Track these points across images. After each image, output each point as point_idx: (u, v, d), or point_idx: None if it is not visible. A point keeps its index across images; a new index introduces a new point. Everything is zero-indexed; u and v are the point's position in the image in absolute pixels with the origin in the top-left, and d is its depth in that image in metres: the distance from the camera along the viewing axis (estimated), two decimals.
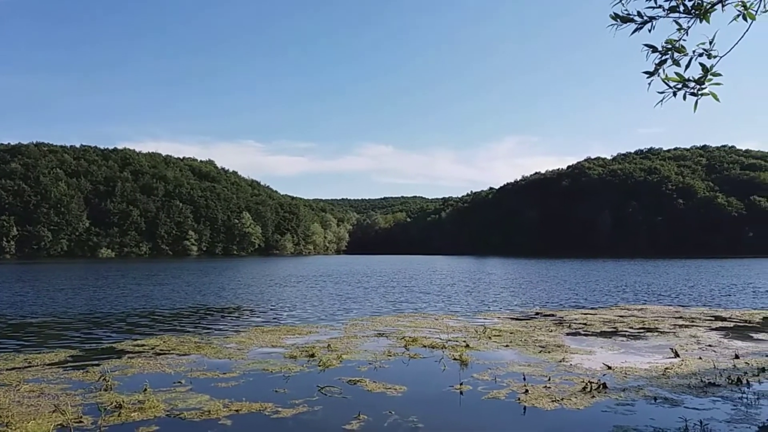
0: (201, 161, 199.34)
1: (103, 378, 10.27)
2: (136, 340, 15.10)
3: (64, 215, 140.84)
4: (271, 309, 23.34)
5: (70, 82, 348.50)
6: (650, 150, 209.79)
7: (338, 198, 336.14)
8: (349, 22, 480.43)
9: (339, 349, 13.41)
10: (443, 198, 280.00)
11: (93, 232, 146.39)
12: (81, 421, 7.94)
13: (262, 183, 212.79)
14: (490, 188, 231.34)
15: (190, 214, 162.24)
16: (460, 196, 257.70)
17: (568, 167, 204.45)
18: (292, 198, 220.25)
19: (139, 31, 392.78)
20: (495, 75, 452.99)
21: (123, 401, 8.73)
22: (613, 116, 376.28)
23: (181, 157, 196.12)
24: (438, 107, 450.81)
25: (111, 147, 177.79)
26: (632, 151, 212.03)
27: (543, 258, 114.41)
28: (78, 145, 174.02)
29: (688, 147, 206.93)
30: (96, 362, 12.12)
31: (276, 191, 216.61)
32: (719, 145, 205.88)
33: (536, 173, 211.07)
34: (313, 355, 12.59)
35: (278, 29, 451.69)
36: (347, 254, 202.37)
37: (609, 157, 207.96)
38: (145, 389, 9.30)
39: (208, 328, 17.58)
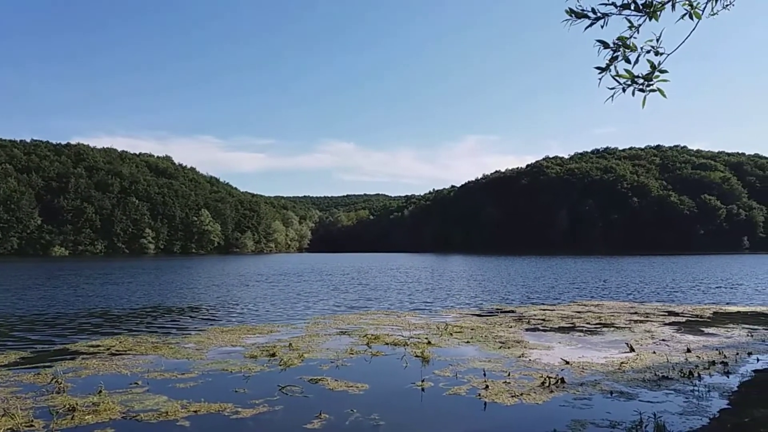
0: (158, 157, 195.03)
1: (55, 380, 9.93)
2: (90, 341, 14.66)
3: (14, 212, 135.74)
4: (231, 308, 23.01)
5: (19, 74, 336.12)
6: (606, 149, 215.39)
7: (300, 195, 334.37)
8: (311, 19, 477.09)
9: (300, 348, 13.30)
10: (406, 196, 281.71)
11: (45, 230, 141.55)
12: (32, 425, 7.66)
13: (221, 180, 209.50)
14: (452, 186, 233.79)
15: (146, 212, 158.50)
16: (422, 193, 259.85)
17: (527, 166, 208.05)
18: (253, 195, 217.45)
19: (91, 22, 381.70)
20: (456, 74, 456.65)
21: (76, 404, 8.47)
22: (570, 116, 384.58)
23: (137, 152, 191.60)
24: (400, 105, 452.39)
25: (64, 142, 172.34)
26: (589, 150, 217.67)
27: (503, 255, 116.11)
28: (29, 140, 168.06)
29: (643, 147, 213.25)
30: (48, 364, 11.72)
31: (236, 188, 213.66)
32: (672, 145, 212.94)
33: (497, 172, 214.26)
34: (274, 355, 12.46)
35: (237, 21, 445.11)
36: (309, 252, 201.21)
37: (566, 156, 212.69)
38: (100, 391, 9.05)
39: (166, 328, 17.21)
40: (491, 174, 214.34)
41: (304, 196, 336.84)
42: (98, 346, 13.86)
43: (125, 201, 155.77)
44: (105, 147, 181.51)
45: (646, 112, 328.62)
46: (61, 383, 9.71)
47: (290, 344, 13.74)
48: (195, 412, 8.29)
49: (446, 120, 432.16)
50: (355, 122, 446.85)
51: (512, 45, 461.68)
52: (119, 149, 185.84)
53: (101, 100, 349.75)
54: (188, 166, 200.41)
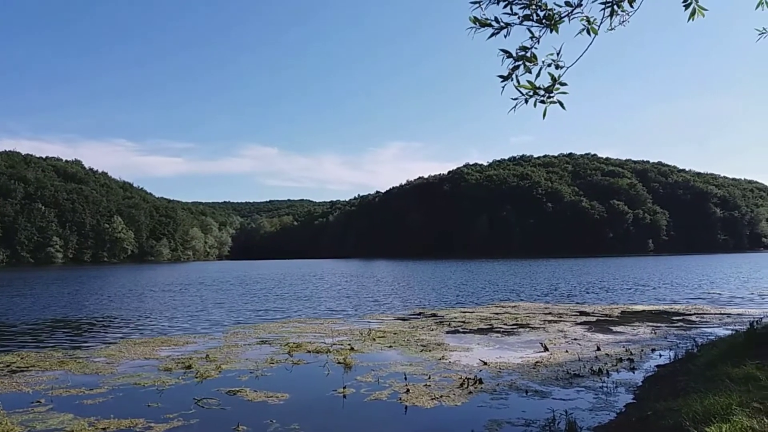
0: (66, 161, 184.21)
1: None
2: None
3: None
4: (145, 319, 22.02)
5: None
6: (522, 157, 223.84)
7: (220, 201, 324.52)
8: (230, 18, 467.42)
9: (218, 359, 12.90)
10: (331, 201, 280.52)
11: None
12: None
13: (135, 185, 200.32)
14: (377, 192, 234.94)
15: (54, 219, 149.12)
16: (347, 199, 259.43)
17: (449, 172, 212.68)
18: (169, 201, 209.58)
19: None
20: (378, 80, 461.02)
21: None
22: (488, 125, 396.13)
23: (43, 156, 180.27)
24: (324, 110, 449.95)
25: None
26: (506, 158, 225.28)
27: (427, 259, 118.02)
28: None
29: (556, 154, 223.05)
30: None
31: (151, 194, 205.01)
32: (583, 153, 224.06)
33: (420, 178, 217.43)
34: (189, 367, 12.01)
35: (150, 20, 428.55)
36: (230, 260, 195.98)
37: (485, 164, 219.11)
38: None
39: (74, 342, 16.24)
40: (415, 180, 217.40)
41: (225, 202, 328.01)
42: None
43: (30, 207, 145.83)
44: (7, 150, 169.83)
45: (559, 122, 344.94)
46: None
47: (207, 355, 13.30)
48: (103, 429, 7.89)
49: (370, 126, 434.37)
50: (278, 127, 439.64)
51: (432, 56, 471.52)
52: (23, 152, 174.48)
53: (3, 99, 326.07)
54: (99, 171, 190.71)
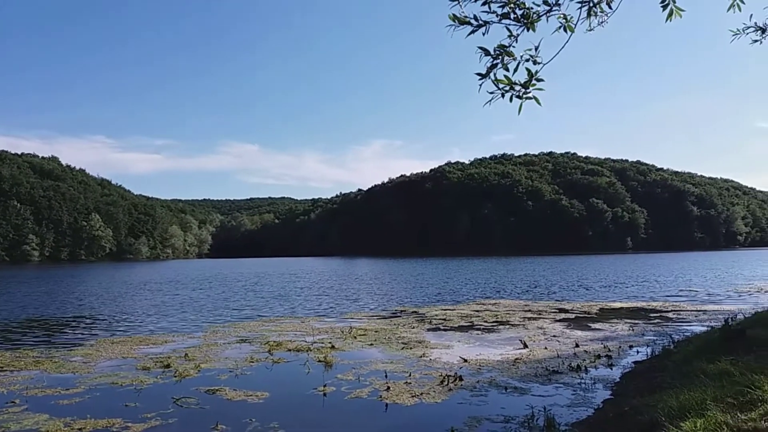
0: (43, 158, 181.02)
1: None
2: None
3: None
4: (123, 318, 21.75)
5: None
6: (503, 155, 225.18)
7: (200, 198, 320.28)
8: (210, 15, 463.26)
9: (197, 358, 12.79)
10: (312, 199, 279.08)
11: None
12: None
13: (113, 182, 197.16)
14: (359, 189, 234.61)
15: (30, 216, 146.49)
16: (329, 197, 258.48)
17: (431, 170, 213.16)
18: (148, 198, 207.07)
19: None
20: (360, 79, 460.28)
21: None
22: (470, 123, 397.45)
23: (19, 152, 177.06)
24: (306, 108, 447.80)
25: None
26: (487, 156, 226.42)
27: (409, 257, 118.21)
28: None
29: (536, 153, 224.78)
30: None
31: (129, 191, 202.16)
32: (563, 151, 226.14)
33: (402, 176, 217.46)
34: (168, 366, 11.89)
35: (129, 16, 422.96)
36: (210, 258, 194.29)
37: (467, 162, 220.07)
38: None
39: (49, 341, 15.98)
40: (397, 178, 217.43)
41: (204, 199, 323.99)
42: None
43: (5, 205, 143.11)
44: None
45: (540, 121, 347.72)
46: None
47: (186, 354, 13.18)
48: (80, 429, 7.79)
49: (352, 124, 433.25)
50: (258, 124, 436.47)
51: (414, 55, 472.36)
52: None
53: None
54: (77, 168, 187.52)
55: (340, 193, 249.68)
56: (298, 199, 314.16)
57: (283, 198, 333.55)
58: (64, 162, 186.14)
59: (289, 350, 13.70)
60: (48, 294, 34.48)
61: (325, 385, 10.07)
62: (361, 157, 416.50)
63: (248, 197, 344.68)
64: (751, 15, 5.86)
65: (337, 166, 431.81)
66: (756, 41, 6.16)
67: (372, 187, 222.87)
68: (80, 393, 9.85)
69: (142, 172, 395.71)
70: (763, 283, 34.74)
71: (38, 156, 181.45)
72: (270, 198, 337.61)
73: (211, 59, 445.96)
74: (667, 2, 4.58)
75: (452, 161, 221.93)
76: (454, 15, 4.09)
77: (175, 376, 11.00)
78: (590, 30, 4.35)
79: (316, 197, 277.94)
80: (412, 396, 9.29)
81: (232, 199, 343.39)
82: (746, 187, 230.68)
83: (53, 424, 7.96)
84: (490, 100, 4.18)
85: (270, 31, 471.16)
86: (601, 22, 4.38)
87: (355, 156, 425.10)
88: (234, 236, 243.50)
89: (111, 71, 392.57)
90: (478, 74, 4.15)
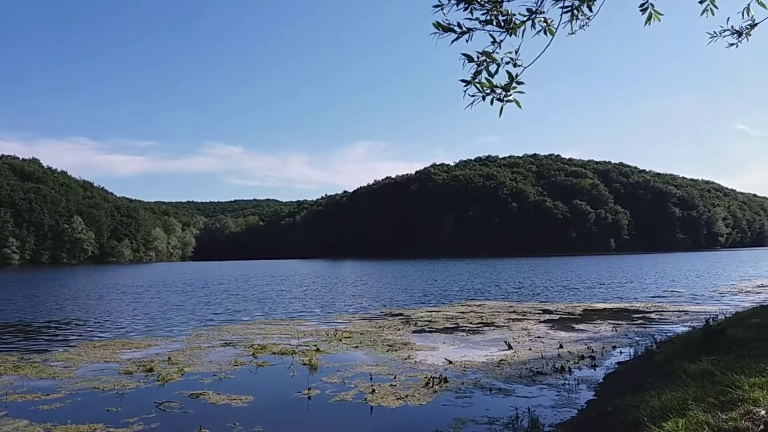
0: (23, 160, 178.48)
1: None
2: None
3: None
4: (104, 322, 21.50)
5: None
6: (488, 157, 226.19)
7: (183, 201, 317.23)
8: (193, 17, 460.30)
9: (180, 362, 12.67)
10: (298, 201, 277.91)
11: None
12: None
13: (95, 184, 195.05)
14: (345, 192, 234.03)
15: (10, 219, 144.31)
16: (315, 199, 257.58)
17: (416, 172, 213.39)
18: (131, 200, 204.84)
19: None
20: (345, 81, 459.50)
21: None
22: (455, 125, 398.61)
23: None
24: (290, 110, 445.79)
25: None
26: (472, 158, 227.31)
27: (394, 259, 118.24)
28: None
29: (521, 155, 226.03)
30: None
31: (112, 193, 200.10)
32: (547, 153, 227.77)
33: (388, 178, 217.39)
34: (151, 370, 11.76)
35: (112, 19, 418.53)
36: (194, 261, 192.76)
37: (452, 164, 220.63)
38: None
39: (30, 346, 15.75)
40: (383, 180, 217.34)
41: (188, 202, 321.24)
42: None
43: None
44: None
45: (524, 123, 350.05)
46: None
47: (169, 358, 13.05)
48: None
49: (337, 126, 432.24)
50: (242, 125, 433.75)
51: (398, 58, 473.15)
52: None
53: None
54: (58, 170, 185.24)
55: (326, 195, 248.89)
56: (283, 201, 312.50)
57: (268, 200, 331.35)
58: (45, 164, 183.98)
59: (274, 353, 13.63)
60: (28, 298, 33.98)
61: (309, 388, 10.02)
62: (346, 159, 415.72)
63: (232, 199, 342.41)
64: (728, 18, 5.91)
65: (322, 168, 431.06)
66: (732, 45, 6.21)
67: (357, 189, 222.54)
68: (61, 398, 9.71)
69: (125, 174, 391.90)
70: (744, 283, 35.25)
71: (19, 158, 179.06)
72: (255, 200, 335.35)
73: (194, 61, 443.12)
74: (646, 6, 4.65)
75: (437, 163, 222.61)
76: (438, 23, 4.12)
77: (158, 380, 10.89)
78: (572, 33, 4.39)
79: (302, 199, 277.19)
80: (397, 398, 9.28)
81: (216, 201, 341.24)
82: (727, 188, 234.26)
83: (33, 429, 7.87)
84: (472, 103, 4.20)
85: (255, 34, 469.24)
86: (583, 26, 4.42)
87: (340, 158, 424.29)
88: (218, 239, 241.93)
89: (93, 73, 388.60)
90: (463, 81, 4.17)
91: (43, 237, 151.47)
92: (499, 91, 4.16)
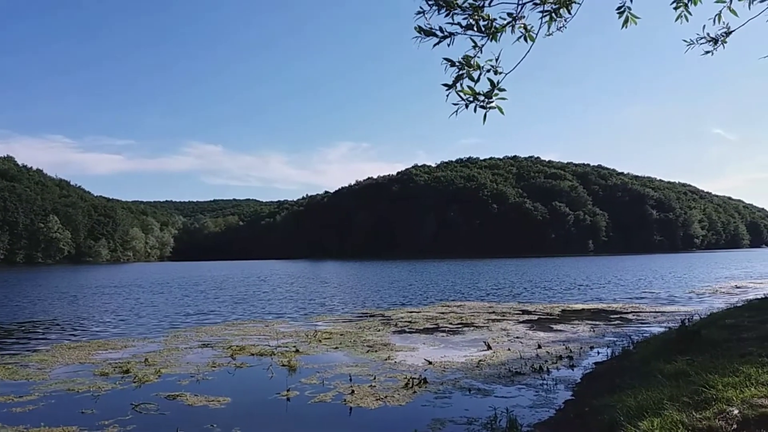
0: None
1: None
2: None
3: None
4: (80, 323, 21.15)
5: None
6: (469, 159, 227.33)
7: (162, 200, 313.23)
8: (171, 11, 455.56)
9: (157, 363, 12.51)
10: (278, 201, 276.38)
11: None
12: None
13: (72, 183, 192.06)
14: (326, 192, 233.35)
15: None
16: (295, 199, 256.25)
17: (398, 173, 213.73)
18: (108, 200, 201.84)
19: None
20: (326, 80, 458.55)
21: None
22: (436, 127, 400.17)
23: None
24: (269, 108, 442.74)
25: None
26: (453, 159, 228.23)
27: (375, 260, 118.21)
28: None
29: (501, 157, 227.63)
30: None
31: (89, 192, 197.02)
32: (527, 155, 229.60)
33: (369, 178, 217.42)
34: (127, 371, 11.60)
35: (88, 11, 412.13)
36: (172, 261, 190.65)
37: (433, 165, 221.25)
38: None
39: (2, 347, 15.43)
40: (364, 180, 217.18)
41: (167, 201, 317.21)
42: None
43: None
44: None
45: (504, 125, 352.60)
46: None
47: (146, 359, 12.88)
48: None
49: (318, 125, 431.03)
50: (221, 124, 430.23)
51: (379, 58, 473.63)
52: None
53: None
54: (34, 168, 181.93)
55: (306, 195, 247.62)
56: (263, 201, 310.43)
57: (248, 200, 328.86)
58: (20, 162, 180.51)
59: (253, 354, 13.53)
60: (1, 298, 33.31)
61: (288, 390, 9.96)
62: (328, 159, 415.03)
63: (211, 199, 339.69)
64: (704, 26, 5.96)
65: (303, 168, 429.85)
66: (708, 53, 6.27)
67: (338, 189, 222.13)
68: (34, 400, 9.54)
69: (103, 173, 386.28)
70: (719, 285, 35.86)
71: None
72: (234, 200, 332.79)
73: (173, 58, 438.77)
74: (623, 9, 4.71)
75: (419, 164, 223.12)
76: (419, 27, 4.14)
77: (135, 382, 10.74)
78: (549, 35, 4.43)
79: (282, 199, 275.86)
80: (377, 399, 9.26)
81: (194, 200, 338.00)
82: (703, 191, 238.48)
83: None
84: (455, 111, 4.22)
85: (233, 31, 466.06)
86: (560, 27, 4.45)
87: (321, 158, 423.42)
88: (197, 239, 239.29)
89: (70, 69, 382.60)
90: (445, 85, 4.18)
91: (18, 236, 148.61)
92: (481, 98, 4.17)
